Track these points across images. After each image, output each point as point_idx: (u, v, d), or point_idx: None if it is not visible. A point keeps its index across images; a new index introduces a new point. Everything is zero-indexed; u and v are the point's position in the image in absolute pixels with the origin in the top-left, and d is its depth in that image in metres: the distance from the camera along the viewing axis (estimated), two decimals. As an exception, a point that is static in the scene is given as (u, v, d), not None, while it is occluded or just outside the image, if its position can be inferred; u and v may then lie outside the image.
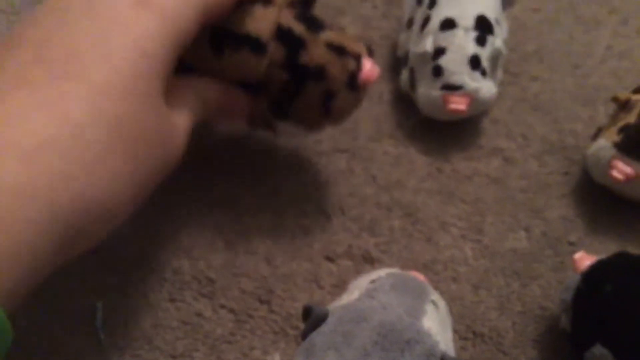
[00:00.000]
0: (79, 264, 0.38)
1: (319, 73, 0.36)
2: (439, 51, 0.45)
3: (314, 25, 0.37)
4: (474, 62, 0.44)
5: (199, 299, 0.38)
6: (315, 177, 0.44)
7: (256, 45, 0.35)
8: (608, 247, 0.41)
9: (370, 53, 0.38)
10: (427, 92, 0.45)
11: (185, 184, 0.43)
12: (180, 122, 0.32)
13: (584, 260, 0.35)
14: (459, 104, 0.44)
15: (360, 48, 0.38)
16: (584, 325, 0.33)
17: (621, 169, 0.40)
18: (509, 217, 0.42)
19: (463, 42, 0.45)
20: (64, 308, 0.37)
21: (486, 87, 0.45)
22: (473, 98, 0.44)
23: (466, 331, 0.37)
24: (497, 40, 0.46)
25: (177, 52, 0.29)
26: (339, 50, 0.37)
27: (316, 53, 0.36)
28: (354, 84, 0.37)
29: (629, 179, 0.39)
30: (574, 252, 0.40)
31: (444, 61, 0.44)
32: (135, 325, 0.36)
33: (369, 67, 0.37)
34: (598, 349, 0.31)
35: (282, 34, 0.36)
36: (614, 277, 0.33)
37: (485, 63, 0.45)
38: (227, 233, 0.41)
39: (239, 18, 0.35)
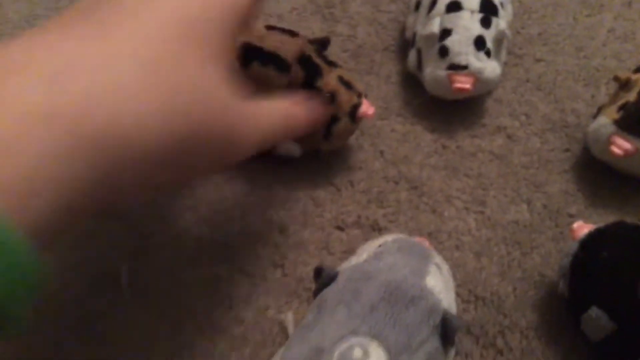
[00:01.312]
0: (106, 230, 0.41)
1: (331, 98, 0.41)
2: (445, 32, 0.47)
3: (328, 62, 0.44)
4: (479, 43, 0.46)
5: (217, 263, 0.40)
6: (325, 153, 0.46)
7: (281, 64, 0.41)
8: (607, 220, 0.42)
9: (365, 95, 0.45)
10: (433, 72, 0.47)
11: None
12: (257, 117, 0.30)
13: (582, 228, 0.37)
14: (464, 83, 0.46)
15: (361, 87, 0.44)
16: (580, 289, 0.35)
17: (620, 145, 0.41)
18: (511, 190, 0.44)
19: (468, 24, 0.47)
20: (92, 270, 0.40)
21: (490, 67, 0.47)
22: (478, 78, 0.46)
23: (469, 295, 0.39)
24: (501, 22, 0.48)
25: (234, 23, 0.28)
26: (347, 84, 0.43)
27: (330, 82, 0.42)
28: (354, 115, 0.43)
29: (627, 155, 0.41)
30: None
31: (449, 42, 0.46)
32: (158, 287, 0.39)
33: (368, 105, 0.43)
34: (594, 311, 0.33)
35: (304, 60, 0.42)
36: (610, 244, 0.35)
37: (490, 44, 0.47)
38: (244, 204, 0.44)
39: (270, 40, 0.42)
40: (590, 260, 0.35)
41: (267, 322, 0.38)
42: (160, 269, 0.40)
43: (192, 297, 0.39)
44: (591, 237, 0.36)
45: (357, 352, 0.28)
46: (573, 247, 0.36)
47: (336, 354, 0.27)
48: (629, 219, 0.42)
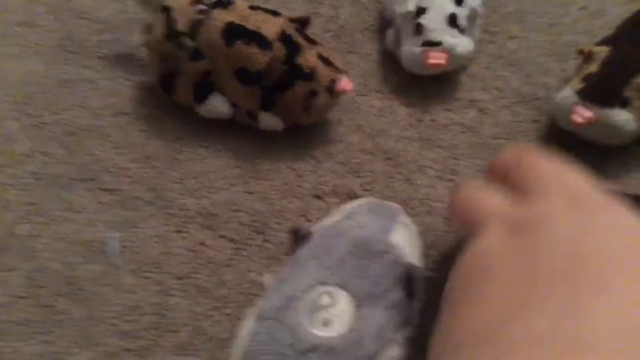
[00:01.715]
0: (96, 202, 0.44)
1: (310, 74, 0.44)
2: (420, 10, 0.49)
3: (309, 39, 0.46)
4: (452, 20, 0.48)
5: (202, 230, 0.43)
6: (306, 127, 0.49)
7: (264, 42, 0.44)
8: (571, 186, 0.45)
9: (346, 71, 0.47)
10: (409, 48, 0.50)
11: (190, 137, 0.48)
12: None
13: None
14: (438, 58, 0.48)
15: (341, 64, 0.47)
16: None
17: (582, 114, 0.44)
18: (481, 160, 0.47)
19: (442, 2, 0.49)
20: (83, 239, 0.42)
21: (463, 44, 0.49)
22: (451, 53, 0.48)
23: (438, 256, 0.41)
24: (474, 0, 0.50)
25: None
26: (326, 61, 0.45)
27: (310, 58, 0.45)
28: (333, 90, 0.45)
29: (589, 123, 0.44)
30: (539, 190, 0.44)
31: (424, 19, 0.49)
32: (146, 253, 0.42)
33: (346, 81, 0.46)
34: None
35: (285, 38, 0.45)
36: None
37: (462, 21, 0.49)
38: (228, 176, 0.46)
39: (252, 20, 0.45)
40: None
41: (248, 284, 0.40)
42: (148, 237, 0.42)
43: (179, 263, 0.41)
44: None
45: (325, 299, 0.30)
46: None
47: (306, 300, 0.30)
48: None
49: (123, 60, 0.54)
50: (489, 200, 0.31)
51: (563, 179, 0.29)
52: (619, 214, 0.26)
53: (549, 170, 0.30)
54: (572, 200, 0.27)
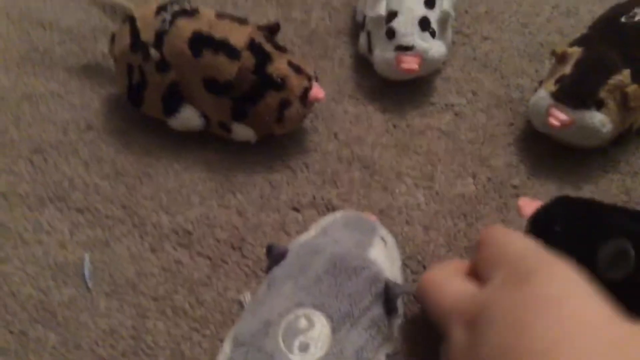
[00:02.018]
0: (67, 222, 0.43)
1: (281, 84, 0.43)
2: (392, 15, 0.48)
3: (279, 47, 0.45)
4: (424, 24, 0.48)
5: (178, 249, 0.42)
6: (281, 137, 0.48)
7: (232, 51, 0.43)
8: (549, 189, 0.45)
9: (317, 79, 0.46)
10: (382, 53, 0.49)
11: (161, 150, 0.47)
12: None
13: (528, 206, 0.37)
14: (411, 63, 0.48)
15: (312, 71, 0.46)
16: None
17: (557, 116, 0.44)
18: (458, 165, 0.46)
19: (413, 5, 0.48)
20: (54, 262, 0.41)
21: (436, 47, 0.48)
22: (424, 57, 0.48)
23: (417, 266, 0.41)
24: (445, 3, 0.50)
25: None
26: (297, 68, 0.44)
27: (280, 67, 0.44)
28: (305, 99, 0.44)
29: (564, 125, 0.43)
30: (517, 194, 0.44)
31: (396, 23, 0.48)
32: (121, 274, 0.40)
33: (318, 88, 0.45)
34: None
35: (254, 47, 0.44)
36: (560, 218, 0.35)
37: (434, 24, 0.48)
38: (202, 191, 0.45)
39: (219, 28, 0.43)
40: (544, 235, 0.34)
41: (226, 303, 0.39)
42: (122, 257, 0.41)
43: (154, 283, 0.40)
44: (539, 214, 0.36)
45: (302, 322, 0.29)
46: (524, 224, 0.37)
47: (283, 325, 0.29)
48: (568, 187, 0.45)
49: (89, 71, 0.53)
50: (449, 292, 0.32)
51: (505, 256, 0.30)
52: (557, 284, 0.27)
53: (495, 250, 0.31)
54: (513, 279, 0.28)
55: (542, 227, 0.36)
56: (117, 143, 0.48)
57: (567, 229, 0.35)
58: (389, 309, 0.32)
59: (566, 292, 0.27)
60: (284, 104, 0.44)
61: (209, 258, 0.41)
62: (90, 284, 0.40)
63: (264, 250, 0.41)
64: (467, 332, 0.28)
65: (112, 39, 0.48)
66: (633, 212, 0.36)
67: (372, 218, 0.38)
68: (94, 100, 0.51)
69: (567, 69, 0.44)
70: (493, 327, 0.27)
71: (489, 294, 0.28)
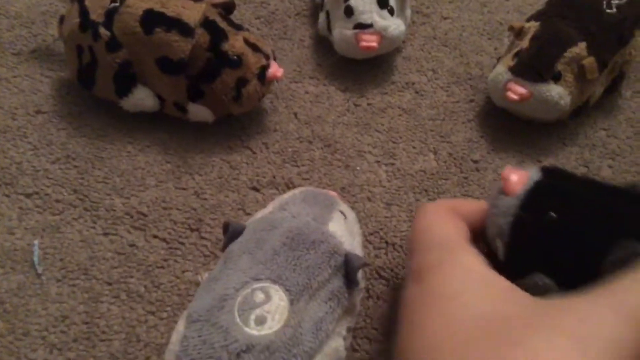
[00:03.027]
0: (15, 207, 0.41)
1: (237, 61, 0.42)
2: (350, -8, 0.48)
3: (234, 25, 0.44)
4: (382, 2, 0.47)
5: (132, 232, 0.40)
6: (240, 117, 0.47)
7: (185, 29, 0.41)
8: (509, 163, 0.45)
9: (275, 57, 0.45)
10: (341, 32, 0.48)
11: (115, 133, 0.46)
12: None
13: (517, 181, 0.31)
14: (370, 41, 0.47)
15: (269, 49, 0.45)
16: (523, 254, 0.30)
17: (515, 90, 0.44)
18: (419, 142, 0.46)
19: (371, -17, 0.48)
20: (1, 248, 0.39)
21: (394, 25, 0.48)
22: (383, 35, 0.47)
23: (380, 242, 0.40)
24: (403, -20, 0.49)
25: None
26: (254, 46, 0.43)
27: (236, 44, 0.42)
28: (263, 77, 0.43)
29: (522, 99, 0.43)
30: (478, 169, 0.44)
31: (354, 1, 0.47)
32: (72, 259, 0.39)
33: (276, 67, 0.44)
34: (540, 278, 0.29)
35: (208, 24, 0.42)
36: (555, 202, 0.30)
37: (392, 2, 0.48)
38: (157, 173, 0.44)
39: (172, 6, 0.42)
40: (536, 223, 0.30)
41: (184, 285, 0.38)
42: (74, 242, 0.40)
43: (108, 267, 0.39)
44: (531, 194, 0.30)
45: (259, 296, 0.28)
46: (511, 204, 0.31)
47: (239, 299, 0.28)
48: (528, 160, 0.45)
49: (39, 55, 0.51)
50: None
51: (418, 244, 0.31)
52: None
53: (413, 236, 0.32)
54: (414, 274, 0.30)
55: (534, 212, 0.30)
56: (68, 127, 0.46)
57: (564, 217, 0.29)
58: (350, 281, 0.31)
59: (459, 290, 0.27)
60: (241, 82, 0.42)
61: (165, 240, 0.40)
62: (40, 270, 0.38)
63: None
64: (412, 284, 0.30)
65: (61, 20, 0.46)
66: (631, 193, 0.30)
67: (332, 193, 0.37)
68: (44, 85, 0.49)
69: (525, 44, 0.44)
70: (401, 316, 0.29)
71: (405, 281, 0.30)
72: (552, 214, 0.29)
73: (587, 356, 0.22)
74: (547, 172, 0.32)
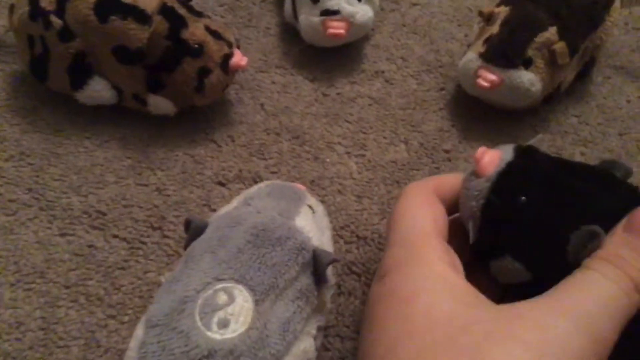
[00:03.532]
0: (-39, 208, 0.38)
1: (198, 50, 0.40)
2: (316, -22, 0.46)
3: (194, 12, 0.42)
4: (349, -13, 0.46)
5: (90, 232, 0.38)
6: (204, 109, 0.45)
7: (141, 16, 0.39)
8: (481, 153, 0.44)
9: (238, 46, 0.43)
10: (307, 19, 0.47)
11: (71, 128, 0.43)
12: None
13: (489, 162, 0.30)
14: (337, 28, 0.46)
15: (232, 37, 0.42)
16: (493, 236, 0.29)
17: (486, 77, 0.43)
18: (389, 132, 0.45)
19: (337, -32, 0.46)
20: (-51, 253, 0.37)
21: (362, 11, 0.46)
22: (351, 22, 0.46)
23: (351, 236, 0.39)
24: (370, -35, 0.48)
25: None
26: (216, 34, 0.41)
27: (197, 32, 0.40)
28: (226, 67, 0.41)
29: (493, 86, 0.42)
30: (449, 158, 0.43)
31: (320, -13, 0.46)
32: (27, 262, 0.37)
33: (240, 55, 0.42)
34: (509, 261, 0.29)
35: (166, 10, 0.40)
36: (526, 185, 0.29)
37: (360, -12, 0.47)
38: (117, 169, 0.42)
39: None
40: (506, 207, 0.29)
41: (147, 287, 0.36)
42: (28, 244, 0.37)
43: (65, 269, 0.37)
44: (502, 177, 0.29)
45: (222, 297, 0.27)
46: (482, 186, 0.30)
47: (200, 301, 0.27)
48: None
49: (-10, 48, 0.48)
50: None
51: (391, 236, 0.30)
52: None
53: (389, 225, 0.31)
54: (379, 271, 0.29)
55: (505, 195, 0.29)
56: (21, 122, 0.43)
57: (534, 201, 0.28)
58: (319, 278, 0.30)
59: (418, 291, 0.26)
60: (203, 72, 0.41)
61: (126, 240, 0.38)
62: (-9, 275, 0.36)
63: (187, 228, 0.38)
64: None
65: (11, 8, 0.43)
66: (604, 175, 0.30)
67: (300, 187, 0.36)
68: (-5, 78, 0.46)
69: (495, 29, 0.43)
70: (365, 314, 0.28)
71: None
72: (523, 197, 0.28)
73: None
74: (520, 151, 0.31)
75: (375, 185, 0.42)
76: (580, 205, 0.28)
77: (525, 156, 0.30)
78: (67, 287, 0.36)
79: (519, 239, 0.28)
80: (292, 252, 0.29)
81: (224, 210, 0.33)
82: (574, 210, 0.27)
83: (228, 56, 0.41)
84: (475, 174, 0.30)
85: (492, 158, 0.30)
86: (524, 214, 0.28)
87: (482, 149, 0.31)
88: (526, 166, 0.30)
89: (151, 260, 0.37)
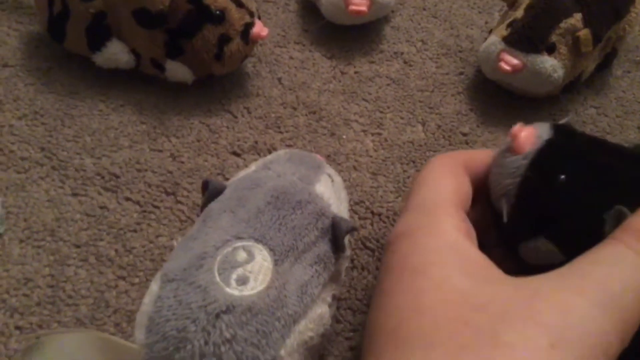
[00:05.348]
0: (-27, 161, 0.38)
1: (220, 16, 0.39)
2: (340, -46, 0.46)
3: None
4: (373, -35, 0.45)
5: (103, 193, 0.38)
6: (221, 80, 0.44)
7: None
8: (498, 137, 0.44)
9: (259, 17, 0.42)
10: (329, -5, 0.46)
11: (87, 90, 0.43)
12: None
13: (527, 137, 0.29)
14: (359, 5, 0.45)
15: (254, 7, 0.42)
16: (528, 216, 0.28)
17: (508, 61, 0.42)
18: (407, 113, 0.45)
19: (362, -55, 0.46)
20: (-41, 206, 0.36)
21: (386, -10, 0.46)
22: (373, 0, 0.46)
23: (365, 212, 0.39)
24: (396, -55, 0.47)
25: None
26: (238, 2, 0.40)
27: None
28: (247, 36, 0.41)
29: (515, 70, 0.42)
30: (467, 142, 0.43)
31: (344, -37, 0.45)
32: (37, 219, 0.36)
33: (261, 26, 0.41)
34: (543, 243, 0.28)
35: None
36: (567, 164, 0.28)
37: (384, -34, 0.46)
38: (132, 133, 0.41)
39: None
40: (545, 185, 0.28)
41: (158, 250, 0.36)
42: (40, 202, 0.37)
43: (77, 229, 0.36)
44: (542, 154, 0.28)
45: (241, 255, 0.26)
46: (519, 164, 0.28)
47: (219, 257, 0.26)
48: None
49: (7, 7, 0.47)
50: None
51: (407, 204, 0.29)
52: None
53: (407, 194, 0.30)
54: (389, 239, 0.28)
55: (544, 173, 0.28)
56: (36, 82, 0.43)
57: (574, 180, 0.27)
58: (336, 246, 0.30)
59: (430, 262, 0.25)
60: (224, 40, 0.40)
61: (139, 203, 0.38)
62: (1, 230, 0.35)
63: (200, 195, 0.38)
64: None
65: (31, -33, 0.43)
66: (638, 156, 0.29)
67: (319, 157, 0.35)
68: (12, 37, 0.46)
69: (519, 14, 0.43)
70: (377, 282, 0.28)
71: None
72: (563, 176, 0.27)
73: (562, 349, 0.21)
74: (557, 129, 0.29)
75: (391, 164, 0.41)
76: (618, 185, 0.27)
77: (563, 134, 0.29)
78: (77, 247, 0.35)
79: (556, 220, 0.27)
80: (312, 216, 0.29)
81: (243, 173, 0.33)
82: (613, 191, 0.27)
83: (249, 25, 0.41)
84: (511, 150, 0.29)
85: (530, 135, 0.29)
86: (563, 194, 0.27)
87: (518, 126, 0.29)
88: (566, 144, 0.29)
89: (164, 224, 0.37)
